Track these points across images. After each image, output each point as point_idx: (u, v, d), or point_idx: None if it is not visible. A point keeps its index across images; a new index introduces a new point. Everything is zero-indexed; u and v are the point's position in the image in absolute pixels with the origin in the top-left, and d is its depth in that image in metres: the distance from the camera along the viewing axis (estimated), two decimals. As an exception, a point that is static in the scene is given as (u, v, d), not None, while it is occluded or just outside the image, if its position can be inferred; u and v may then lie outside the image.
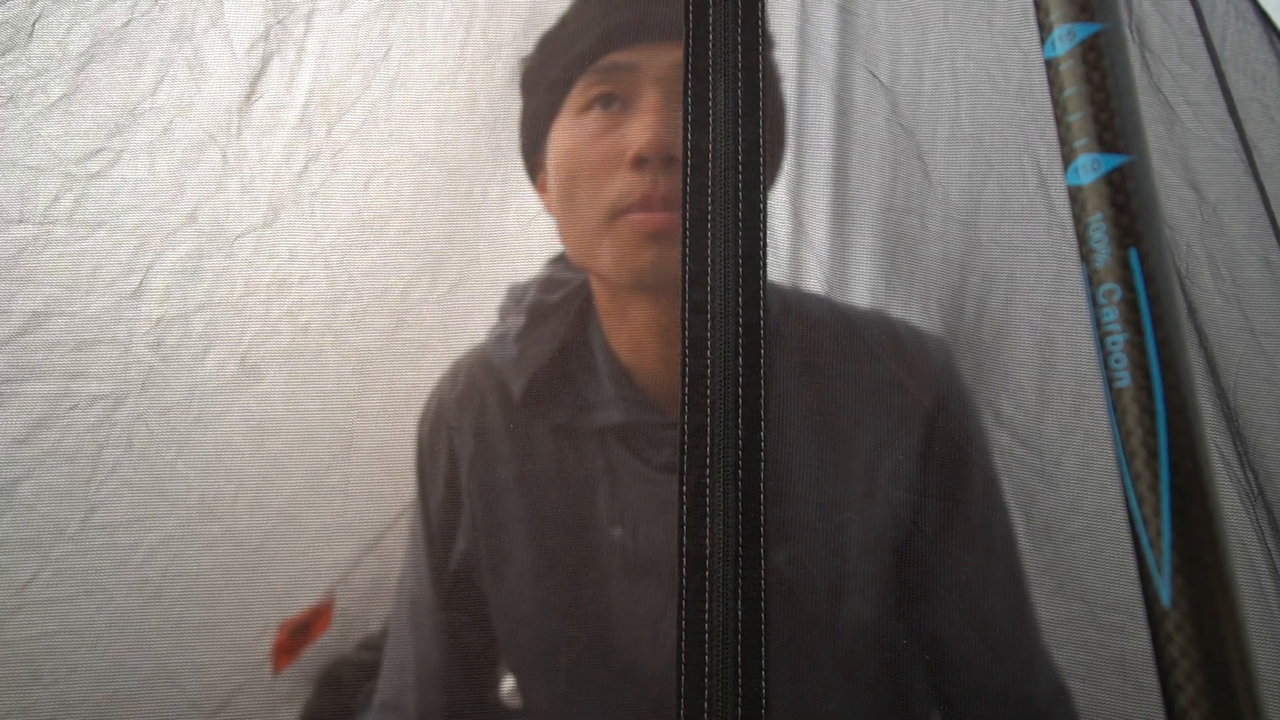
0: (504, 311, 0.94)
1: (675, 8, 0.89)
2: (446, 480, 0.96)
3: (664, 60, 0.92)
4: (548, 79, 0.95)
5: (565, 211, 0.95)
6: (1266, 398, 0.89)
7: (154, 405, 0.86)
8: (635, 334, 0.94)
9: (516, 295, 0.94)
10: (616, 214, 0.91)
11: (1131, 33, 0.93)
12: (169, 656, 0.86)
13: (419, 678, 0.93)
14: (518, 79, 0.96)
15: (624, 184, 0.91)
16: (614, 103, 0.93)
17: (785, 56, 0.92)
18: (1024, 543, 0.87)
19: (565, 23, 0.96)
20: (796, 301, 0.89)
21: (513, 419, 0.93)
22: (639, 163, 0.90)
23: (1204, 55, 0.93)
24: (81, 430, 0.84)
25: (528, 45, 0.96)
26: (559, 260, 0.97)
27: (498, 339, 0.94)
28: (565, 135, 0.95)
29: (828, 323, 0.88)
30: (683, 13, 0.87)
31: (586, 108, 0.94)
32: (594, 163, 0.93)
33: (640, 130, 0.91)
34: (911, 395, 0.89)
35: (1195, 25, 0.93)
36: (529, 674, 0.94)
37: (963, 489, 0.88)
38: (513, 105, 0.95)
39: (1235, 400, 0.89)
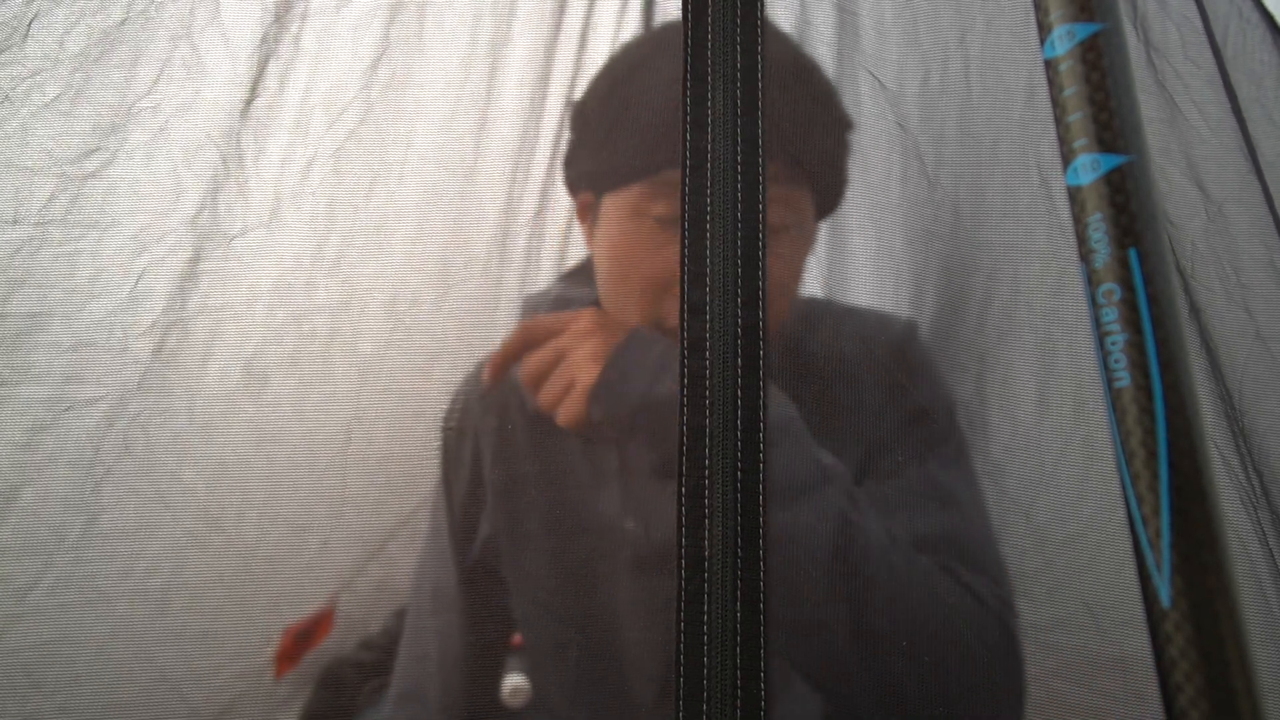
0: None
1: None
2: (470, 474, 0.96)
3: None
4: (603, 159, 0.95)
5: (610, 291, 0.95)
6: (1271, 400, 0.89)
7: (155, 411, 0.86)
8: None
9: (530, 313, 0.95)
10: (663, 328, 0.91)
11: (1136, 29, 0.93)
12: (170, 664, 0.86)
13: (441, 667, 0.93)
14: (567, 116, 0.96)
15: (671, 309, 0.89)
16: (670, 222, 0.91)
17: (784, 57, 0.92)
18: (1024, 543, 0.87)
19: (629, 101, 0.95)
20: (796, 303, 0.89)
21: (530, 420, 0.93)
22: None
23: (1208, 54, 0.93)
24: (81, 436, 0.84)
25: (532, 44, 0.96)
26: (568, 277, 0.97)
27: None
28: (618, 230, 0.94)
29: (826, 322, 0.88)
30: (681, 15, 0.87)
31: (643, 214, 0.93)
32: (645, 277, 0.92)
33: None
34: (909, 393, 0.89)
35: (1199, 24, 0.93)
36: (542, 664, 0.95)
37: (961, 488, 0.88)
38: (516, 106, 0.95)
39: (1240, 402, 0.88)
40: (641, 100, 0.95)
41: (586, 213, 0.97)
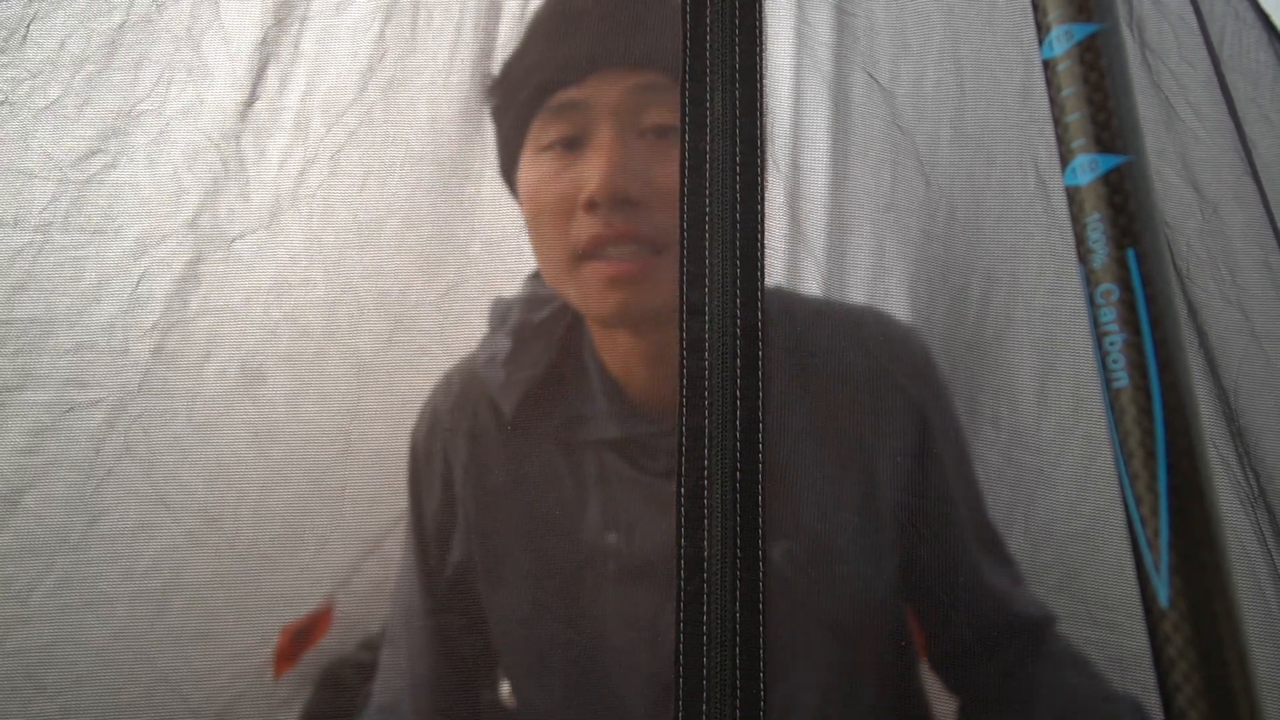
0: (491, 328, 0.94)
1: (625, 38, 0.89)
2: (441, 486, 0.95)
3: (616, 90, 0.91)
4: (509, 113, 0.95)
5: (535, 246, 0.95)
6: (1267, 399, 0.89)
7: (155, 412, 0.86)
8: (622, 356, 0.94)
9: (500, 315, 0.94)
10: (578, 259, 0.91)
11: (1132, 31, 0.93)
12: (170, 664, 0.86)
13: (413, 683, 0.93)
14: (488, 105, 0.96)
15: (580, 228, 0.91)
16: (571, 143, 0.93)
17: (782, 58, 0.92)
18: (1023, 543, 0.87)
19: (521, 54, 0.95)
20: (798, 304, 0.89)
21: (505, 427, 0.93)
22: (591, 206, 0.90)
23: (1204, 55, 0.93)
24: (83, 438, 0.84)
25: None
26: (537, 276, 0.97)
27: (486, 361, 0.94)
28: (528, 173, 0.95)
29: (824, 322, 0.88)
30: (679, 19, 0.87)
31: (545, 147, 0.94)
32: (552, 204, 0.92)
33: (592, 173, 0.90)
34: (907, 393, 0.89)
35: (1195, 25, 0.93)
36: (524, 678, 0.94)
37: (960, 489, 0.88)
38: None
39: (1236, 401, 0.89)
40: (529, 49, 0.95)
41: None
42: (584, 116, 0.92)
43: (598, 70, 0.92)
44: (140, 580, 0.85)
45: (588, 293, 0.92)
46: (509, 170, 0.96)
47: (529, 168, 0.94)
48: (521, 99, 0.94)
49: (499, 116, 0.95)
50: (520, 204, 0.96)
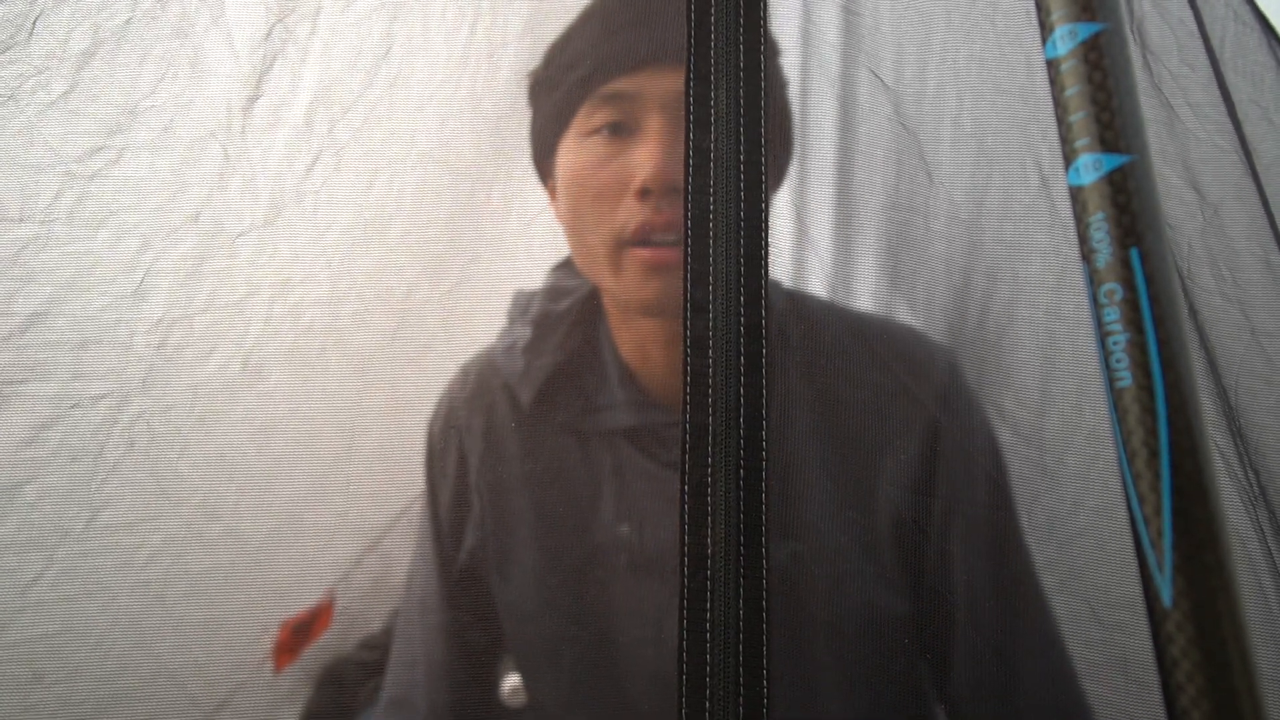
0: (510, 320, 0.94)
1: (678, 31, 0.89)
2: (456, 479, 0.96)
3: (667, 85, 0.91)
4: (553, 98, 0.95)
5: (573, 231, 0.95)
6: (1267, 397, 0.89)
7: (157, 405, 0.86)
8: (642, 342, 0.95)
9: (522, 306, 0.95)
10: (622, 244, 0.91)
11: (1132, 33, 0.93)
12: (171, 656, 0.86)
13: (428, 675, 0.93)
14: (525, 90, 0.96)
15: (629, 214, 0.90)
16: (620, 130, 0.93)
17: (788, 57, 0.92)
18: (1026, 541, 0.87)
19: (569, 39, 0.96)
20: (801, 303, 0.89)
21: (521, 420, 0.93)
22: (643, 194, 0.90)
23: (1204, 57, 0.94)
24: (85, 431, 0.84)
25: (531, 45, 0.96)
26: (562, 267, 0.97)
27: (505, 350, 0.94)
28: (571, 157, 0.94)
29: (831, 325, 0.88)
30: (685, 32, 0.87)
31: (592, 132, 0.93)
32: (599, 190, 0.92)
33: (645, 160, 0.90)
34: (915, 399, 0.89)
35: (1195, 27, 0.93)
36: (534, 670, 0.95)
37: (967, 491, 0.88)
38: (515, 104, 0.95)
39: (1236, 400, 0.89)
40: (577, 39, 0.96)
41: (553, 190, 0.97)
42: (635, 106, 0.92)
43: (648, 65, 0.92)
44: (140, 571, 0.86)
45: (628, 279, 0.92)
46: (544, 155, 0.96)
47: (573, 152, 0.94)
48: (570, 82, 0.94)
49: (540, 100, 0.96)
50: (555, 187, 0.96)
